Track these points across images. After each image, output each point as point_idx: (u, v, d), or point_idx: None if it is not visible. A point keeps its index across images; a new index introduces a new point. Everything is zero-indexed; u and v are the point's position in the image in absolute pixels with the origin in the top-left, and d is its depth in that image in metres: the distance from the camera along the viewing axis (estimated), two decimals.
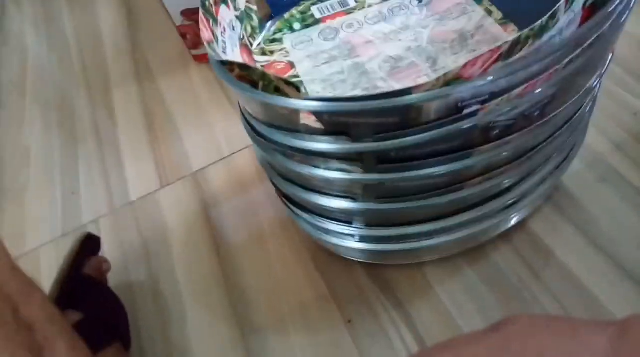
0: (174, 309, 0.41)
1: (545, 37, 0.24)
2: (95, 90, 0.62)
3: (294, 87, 0.25)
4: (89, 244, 0.39)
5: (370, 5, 0.35)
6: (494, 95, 0.24)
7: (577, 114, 0.32)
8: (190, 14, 0.55)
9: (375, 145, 0.26)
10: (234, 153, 0.50)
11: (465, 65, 0.23)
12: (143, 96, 0.59)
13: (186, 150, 0.52)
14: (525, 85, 0.24)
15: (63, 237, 0.48)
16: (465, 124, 0.24)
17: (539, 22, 0.23)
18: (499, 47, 0.23)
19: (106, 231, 0.47)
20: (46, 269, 0.46)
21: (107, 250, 0.45)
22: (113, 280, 0.41)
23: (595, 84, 0.31)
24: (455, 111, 0.24)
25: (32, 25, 0.74)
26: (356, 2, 0.36)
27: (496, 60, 0.23)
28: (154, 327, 0.40)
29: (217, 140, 0.52)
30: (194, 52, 0.59)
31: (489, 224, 0.34)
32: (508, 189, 0.33)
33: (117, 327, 0.36)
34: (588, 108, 0.34)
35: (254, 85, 0.26)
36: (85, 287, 0.36)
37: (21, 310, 0.27)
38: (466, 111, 0.24)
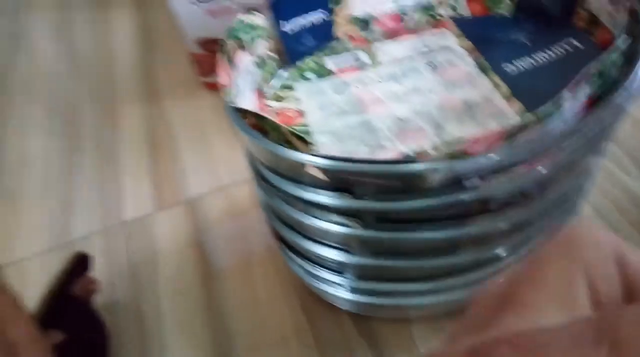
0: (155, 335, 0.41)
1: (549, 123, 0.25)
2: (102, 104, 0.63)
3: (303, 141, 0.26)
4: (81, 263, 0.39)
5: (383, 64, 0.37)
6: (494, 172, 0.25)
7: (572, 191, 0.33)
8: (206, 43, 0.56)
9: (376, 205, 0.27)
10: (233, 183, 0.51)
11: (470, 142, 0.24)
12: (149, 116, 0.60)
13: (185, 176, 0.53)
14: (525, 166, 0.25)
15: (52, 250, 0.48)
16: (464, 197, 0.25)
17: (544, 108, 0.24)
18: (505, 129, 0.24)
19: (96, 248, 0.47)
20: (31, 280, 0.45)
21: (96, 268, 0.45)
22: (99, 299, 0.41)
23: (591, 166, 0.32)
24: (455, 183, 0.25)
25: (49, 31, 0.75)
26: (369, 58, 0.37)
27: (499, 140, 0.24)
28: (133, 351, 0.40)
29: (217, 169, 0.53)
30: (205, 79, 0.60)
31: (478, 288, 0.35)
32: (500, 257, 0.33)
33: (97, 351, 0.36)
34: (584, 187, 0.35)
35: (264, 132, 0.27)
36: (71, 307, 0.36)
37: (7, 330, 0.27)
38: (466, 184, 0.25)
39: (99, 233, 0.48)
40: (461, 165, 0.24)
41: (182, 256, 0.46)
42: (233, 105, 0.27)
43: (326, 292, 0.37)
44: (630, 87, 0.26)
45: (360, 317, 0.39)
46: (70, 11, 0.78)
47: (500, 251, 0.32)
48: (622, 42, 0.27)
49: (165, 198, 0.51)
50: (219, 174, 0.52)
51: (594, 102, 0.27)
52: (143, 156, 0.55)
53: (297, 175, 0.28)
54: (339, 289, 0.35)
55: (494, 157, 0.24)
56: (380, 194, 0.26)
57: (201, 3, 0.53)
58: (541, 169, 0.26)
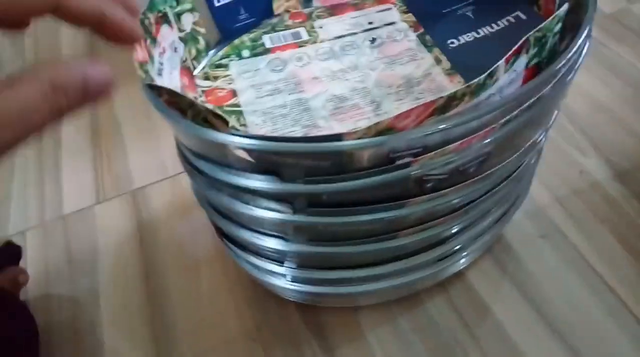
0: (91, 336, 0.38)
1: (483, 95, 0.24)
2: None
3: (222, 120, 0.24)
4: (8, 253, 0.37)
5: (322, 41, 0.35)
6: (426, 149, 0.23)
7: (519, 168, 0.31)
8: None
9: (305, 188, 0.25)
10: (178, 174, 0.48)
11: (398, 116, 0.22)
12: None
13: (130, 166, 0.50)
14: (460, 142, 0.23)
15: None
16: (395, 176, 0.24)
17: (476, 80, 0.22)
18: (433, 102, 0.22)
19: (32, 244, 0.44)
20: None
21: (30, 263, 0.42)
22: (32, 293, 0.39)
23: (540, 138, 0.31)
24: (386, 161, 0.23)
25: None
26: (309, 35, 0.35)
27: (430, 114, 0.23)
28: (66, 349, 0.37)
29: (163, 159, 0.50)
30: None
31: (424, 273, 0.33)
32: (445, 240, 0.32)
33: (23, 345, 0.34)
34: (533, 161, 0.34)
35: (182, 111, 0.25)
36: None
37: None
38: (397, 162, 0.23)
39: (36, 228, 0.46)
40: (388, 141, 0.22)
41: (122, 250, 0.43)
42: (148, 81, 0.25)
43: (271, 284, 0.35)
44: (571, 56, 0.25)
45: (307, 307, 0.38)
46: None
47: (447, 233, 0.31)
48: (562, 11, 0.26)
49: (107, 190, 0.48)
50: (165, 165, 0.50)
51: (536, 72, 0.26)
52: (86, 147, 0.52)
53: (222, 157, 0.25)
54: (282, 280, 0.33)
55: (421, 131, 0.22)
56: (308, 176, 0.25)
57: None
58: (478, 145, 0.24)
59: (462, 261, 0.36)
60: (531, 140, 0.29)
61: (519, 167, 0.31)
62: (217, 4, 0.34)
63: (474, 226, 0.32)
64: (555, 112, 0.32)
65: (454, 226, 0.30)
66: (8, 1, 0.18)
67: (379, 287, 0.33)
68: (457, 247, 0.33)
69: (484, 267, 0.38)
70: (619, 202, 0.41)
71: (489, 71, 0.23)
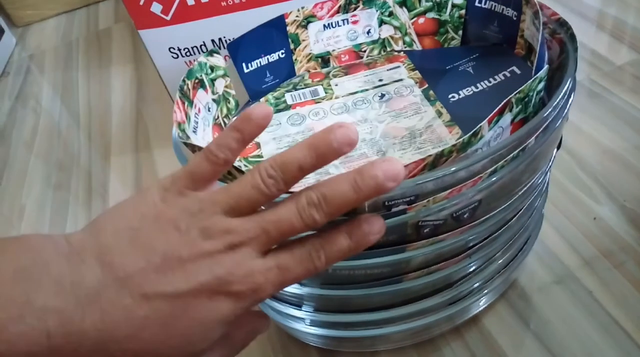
0: None
1: (470, 151, 0.27)
2: (95, 156, 0.65)
3: (242, 173, 0.28)
4: None
5: (337, 97, 0.39)
6: (419, 198, 0.26)
7: (520, 213, 0.33)
8: None
9: None
10: None
11: None
12: (138, 166, 0.62)
13: None
14: (449, 190, 0.26)
15: None
16: (393, 221, 0.26)
17: (461, 139, 0.26)
18: (424, 159, 0.25)
19: None
20: None
21: None
22: None
23: (539, 182, 0.33)
24: (384, 209, 0.27)
25: (50, 89, 0.78)
26: (325, 92, 0.39)
27: (422, 169, 0.26)
28: None
29: None
30: None
31: (437, 316, 0.35)
32: (453, 284, 0.34)
33: None
34: (537, 204, 0.36)
35: None
36: None
37: None
38: (394, 209, 0.26)
39: None
40: None
41: None
42: (182, 140, 0.30)
43: (293, 328, 0.37)
44: (551, 111, 0.28)
45: (328, 352, 0.39)
46: (77, 71, 0.82)
47: (454, 277, 0.33)
48: (542, 72, 0.29)
49: None
50: None
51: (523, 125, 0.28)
52: None
53: None
54: (302, 324, 0.36)
55: (412, 181, 0.25)
56: None
57: (182, 57, 0.56)
58: (468, 192, 0.27)
59: (475, 305, 0.37)
60: (527, 186, 0.31)
61: (519, 211, 0.33)
62: (246, 71, 0.39)
63: (482, 269, 0.34)
64: (554, 152, 0.34)
65: (459, 270, 0.32)
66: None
67: (395, 331, 0.35)
68: (467, 290, 0.35)
69: (499, 312, 0.39)
70: (634, 247, 0.41)
71: (472, 131, 0.26)
